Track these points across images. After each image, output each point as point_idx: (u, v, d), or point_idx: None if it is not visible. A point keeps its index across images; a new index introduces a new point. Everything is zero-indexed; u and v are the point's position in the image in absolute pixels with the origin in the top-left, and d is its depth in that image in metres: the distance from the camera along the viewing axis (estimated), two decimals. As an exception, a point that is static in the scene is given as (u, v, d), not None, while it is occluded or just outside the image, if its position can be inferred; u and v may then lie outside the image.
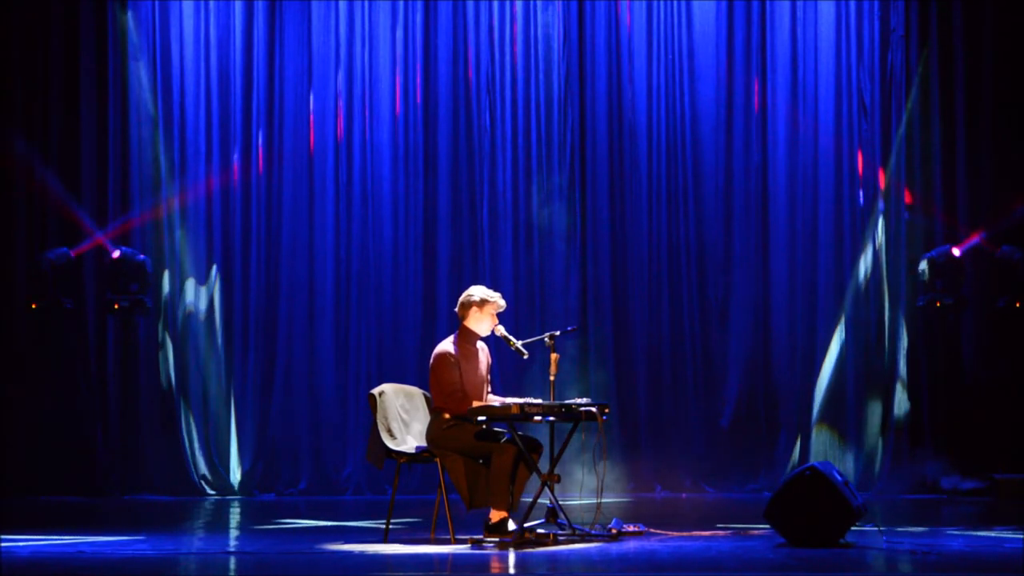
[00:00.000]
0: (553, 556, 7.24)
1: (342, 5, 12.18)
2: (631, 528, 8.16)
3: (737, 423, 11.93)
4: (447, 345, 7.96)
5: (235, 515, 10.31)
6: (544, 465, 7.97)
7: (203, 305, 11.97)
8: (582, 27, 12.13)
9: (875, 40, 11.97)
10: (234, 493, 11.78)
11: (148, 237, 11.92)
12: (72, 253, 11.70)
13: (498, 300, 8.04)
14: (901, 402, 11.74)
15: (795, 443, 11.85)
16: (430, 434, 7.88)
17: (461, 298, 8.07)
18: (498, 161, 12.11)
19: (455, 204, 12.13)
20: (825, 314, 11.94)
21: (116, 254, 11.68)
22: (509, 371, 11.10)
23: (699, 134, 12.15)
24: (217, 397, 11.91)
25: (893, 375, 11.78)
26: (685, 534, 8.19)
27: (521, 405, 7.63)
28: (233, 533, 9.02)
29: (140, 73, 11.96)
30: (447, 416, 7.81)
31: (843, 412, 11.84)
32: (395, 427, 7.99)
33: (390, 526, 8.12)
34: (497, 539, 7.65)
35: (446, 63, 12.15)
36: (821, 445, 11.81)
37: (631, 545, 7.69)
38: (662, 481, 11.86)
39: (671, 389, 11.99)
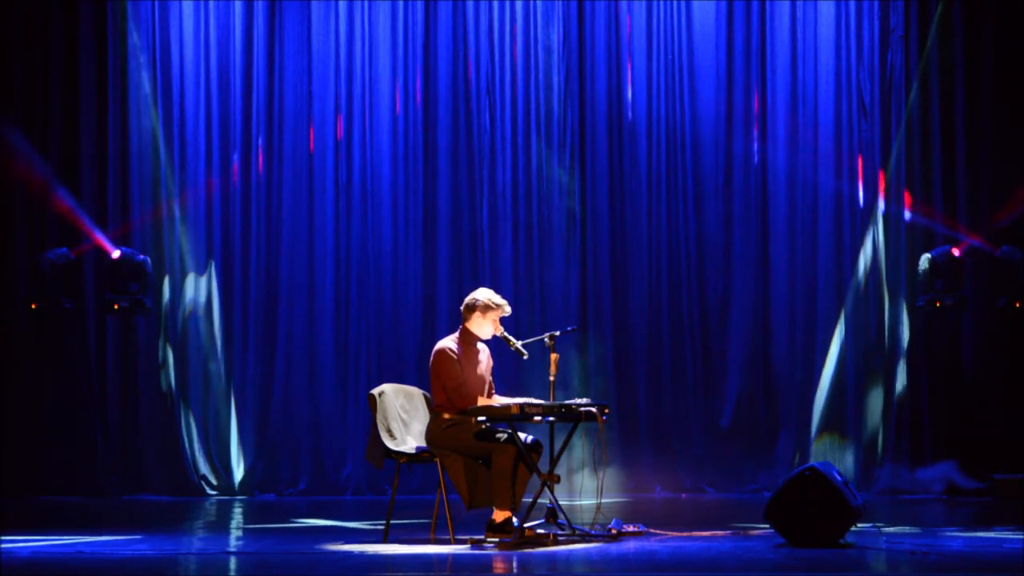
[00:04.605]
0: (553, 556, 7.24)
1: (342, 5, 12.18)
2: (631, 528, 8.16)
3: (737, 423, 11.94)
4: (448, 342, 7.95)
5: (235, 515, 10.31)
6: (544, 465, 7.96)
7: (203, 305, 11.97)
8: (582, 27, 12.14)
9: (875, 40, 11.98)
10: (234, 493, 11.78)
11: (148, 237, 11.93)
12: (72, 253, 11.70)
13: (504, 307, 7.99)
14: (901, 402, 11.74)
15: (795, 443, 11.85)
16: (430, 434, 7.88)
17: (466, 300, 8.04)
18: (498, 161, 12.12)
19: (455, 204, 12.13)
20: (825, 314, 11.95)
21: (116, 254, 11.69)
22: (509, 371, 11.10)
23: (699, 134, 12.15)
24: (217, 397, 11.92)
25: (893, 375, 11.78)
26: (685, 534, 8.18)
27: (521, 405, 7.62)
28: (233, 533, 9.02)
29: (140, 73, 11.96)
30: (446, 416, 7.81)
31: (843, 412, 11.85)
32: (395, 427, 7.98)
33: (390, 526, 8.12)
34: (497, 539, 7.65)
35: (446, 63, 12.15)
36: (821, 445, 11.82)
37: (631, 545, 7.69)
38: (662, 481, 11.86)
39: (671, 389, 11.99)
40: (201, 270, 12.00)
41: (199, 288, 11.99)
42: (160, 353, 11.88)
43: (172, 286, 11.95)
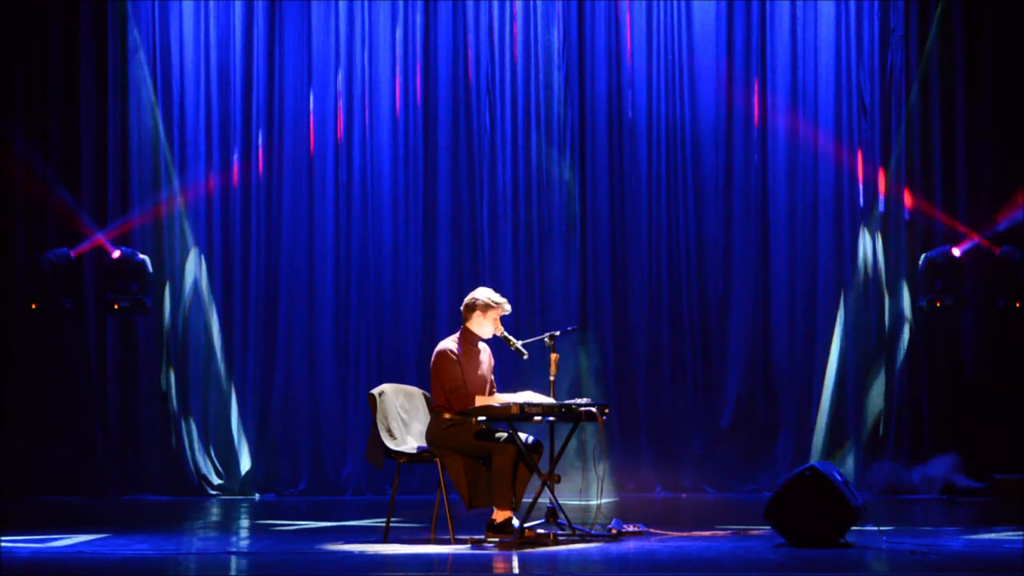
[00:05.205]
0: (553, 556, 7.24)
1: (342, 5, 12.18)
2: (631, 528, 8.16)
3: (737, 423, 11.94)
4: (449, 343, 7.95)
5: (235, 515, 10.31)
6: (544, 465, 7.97)
7: (203, 305, 11.97)
8: (582, 27, 12.14)
9: (875, 40, 11.98)
10: (234, 493, 11.78)
11: (148, 237, 11.92)
12: (72, 253, 11.70)
13: (503, 305, 8.01)
14: (901, 402, 11.74)
15: (795, 443, 11.85)
16: (430, 434, 7.88)
17: (466, 299, 8.05)
18: (498, 161, 12.12)
19: (455, 204, 12.13)
20: (825, 314, 11.95)
21: (116, 254, 11.69)
22: (509, 371, 11.10)
23: (699, 134, 12.15)
24: (217, 397, 11.91)
25: (893, 375, 11.78)
26: (685, 534, 8.19)
27: (521, 405, 7.63)
28: (233, 533, 9.02)
29: (140, 72, 11.96)
30: (447, 416, 7.81)
31: (843, 412, 11.84)
32: (395, 427, 7.99)
33: (390, 526, 8.12)
34: (497, 539, 7.65)
35: (446, 63, 12.15)
36: (821, 445, 11.81)
37: (631, 545, 7.69)
38: (662, 481, 11.86)
39: (671, 389, 11.99)
40: (201, 270, 12.00)
41: (199, 288, 11.98)
42: (160, 353, 11.87)
43: (172, 286, 11.94)
